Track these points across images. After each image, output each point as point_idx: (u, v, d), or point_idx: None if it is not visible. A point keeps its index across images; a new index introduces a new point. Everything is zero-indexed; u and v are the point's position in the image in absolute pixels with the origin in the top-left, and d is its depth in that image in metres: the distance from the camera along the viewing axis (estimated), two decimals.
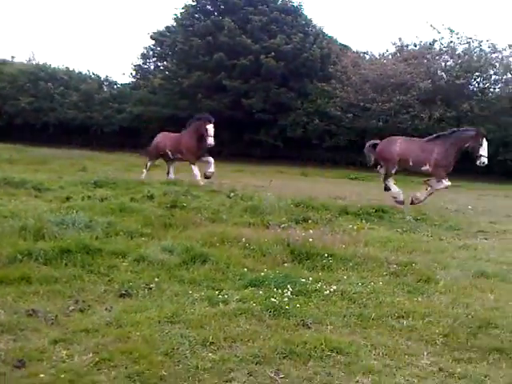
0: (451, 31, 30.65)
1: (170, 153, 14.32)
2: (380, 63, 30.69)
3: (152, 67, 39.22)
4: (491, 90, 31.70)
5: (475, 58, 29.96)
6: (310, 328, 3.96)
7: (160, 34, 35.71)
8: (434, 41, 31.55)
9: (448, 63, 30.82)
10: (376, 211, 9.86)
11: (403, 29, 63.01)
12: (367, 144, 13.02)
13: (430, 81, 28.66)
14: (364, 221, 8.80)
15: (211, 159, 13.72)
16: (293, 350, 3.53)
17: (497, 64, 30.83)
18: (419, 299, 4.74)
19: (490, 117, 28.59)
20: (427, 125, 27.45)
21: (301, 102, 30.05)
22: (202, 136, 13.39)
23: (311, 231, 6.79)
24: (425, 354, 3.63)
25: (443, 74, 30.46)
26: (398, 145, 12.20)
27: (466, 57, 29.83)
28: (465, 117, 28.56)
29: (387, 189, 12.33)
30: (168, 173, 14.68)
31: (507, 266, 6.25)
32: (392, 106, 27.70)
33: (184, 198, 9.37)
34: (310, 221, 8.12)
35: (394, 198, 11.97)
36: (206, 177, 13.58)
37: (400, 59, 30.51)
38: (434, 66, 30.26)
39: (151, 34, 35.90)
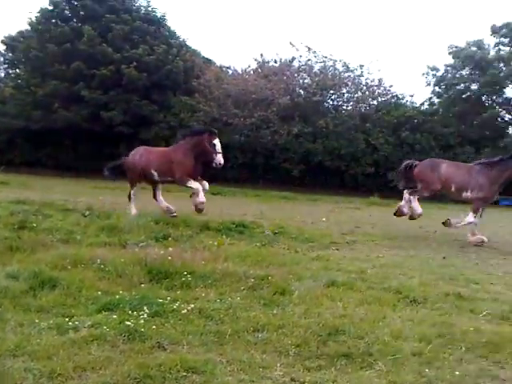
0: (309, 50, 32.48)
1: (155, 174, 11.41)
2: (242, 79, 31.53)
3: (2, 74, 36.60)
4: (344, 107, 34.05)
5: (330, 77, 31.97)
6: (165, 349, 3.89)
7: (12, 38, 33.44)
8: (293, 58, 33.18)
9: (306, 81, 32.52)
10: (237, 226, 10.07)
11: (265, 45, 65.61)
12: (403, 165, 12.42)
13: (288, 97, 30.02)
14: (225, 236, 8.93)
15: (206, 184, 11.33)
16: (147, 374, 3.43)
17: (349, 83, 33.19)
18: (274, 311, 4.88)
19: (343, 133, 30.64)
20: (286, 140, 28.75)
21: (163, 115, 29.82)
22: (201, 154, 11.09)
23: (171, 249, 6.75)
24: (278, 365, 3.73)
25: (301, 90, 32.10)
26: (443, 170, 11.65)
27: (322, 75, 31.72)
28: (320, 133, 30.34)
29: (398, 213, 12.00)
30: (155, 196, 11.68)
31: (355, 275, 6.68)
32: (254, 121, 28.54)
33: (34, 217, 8.77)
34: (170, 238, 8.07)
35: (413, 214, 11.74)
36: (198, 210, 10.98)
37: (261, 75, 31.60)
38: (293, 83, 31.76)
39: (2, 38, 33.56)
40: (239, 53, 74.97)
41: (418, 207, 11.78)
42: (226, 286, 5.63)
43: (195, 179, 11.05)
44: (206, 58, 36.20)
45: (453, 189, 11.52)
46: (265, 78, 30.74)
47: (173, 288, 5.46)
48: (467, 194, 11.33)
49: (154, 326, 4.23)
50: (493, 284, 6.81)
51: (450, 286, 6.40)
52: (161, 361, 3.62)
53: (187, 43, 35.05)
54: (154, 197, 11.72)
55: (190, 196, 11.29)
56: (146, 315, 4.43)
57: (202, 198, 10.79)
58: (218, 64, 35.69)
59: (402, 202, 12.09)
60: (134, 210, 11.32)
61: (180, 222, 9.57)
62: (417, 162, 12.25)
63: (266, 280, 5.89)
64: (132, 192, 11.75)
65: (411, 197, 11.78)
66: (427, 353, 4.04)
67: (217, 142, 11.04)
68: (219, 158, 10.97)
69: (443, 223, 11.65)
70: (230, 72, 34.29)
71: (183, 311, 4.65)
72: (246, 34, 76.31)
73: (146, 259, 5.97)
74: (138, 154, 11.83)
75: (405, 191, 12.08)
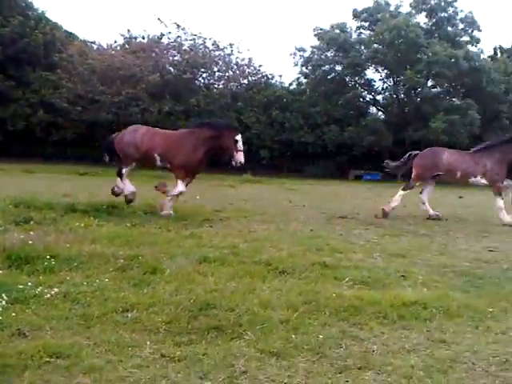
0: (178, 26, 32.05)
1: (158, 158, 10.27)
2: (108, 54, 30.37)
3: None
4: (215, 85, 34.19)
5: (200, 55, 31.85)
6: (26, 336, 3.66)
7: None
8: (162, 35, 32.62)
9: (175, 58, 32.15)
10: (106, 207, 9.73)
11: (132, 20, 63.57)
12: (412, 154, 12.36)
13: (158, 74, 29.45)
14: (93, 218, 8.57)
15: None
16: (6, 364, 3.22)
17: (220, 61, 33.33)
18: (145, 291, 4.79)
19: (215, 111, 30.80)
20: (156, 118, 28.24)
21: (22, 91, 27.86)
22: (216, 148, 10.26)
23: (32, 233, 6.35)
24: (148, 343, 3.68)
25: (171, 68, 31.66)
26: (446, 157, 11.88)
27: (192, 53, 31.52)
28: (193, 111, 30.22)
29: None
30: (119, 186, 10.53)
31: (228, 250, 6.78)
32: (122, 98, 27.67)
33: None
34: (31, 222, 7.59)
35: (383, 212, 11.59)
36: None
37: (128, 51, 30.65)
38: (163, 60, 31.22)
39: None
40: (104, 27, 72.15)
41: (395, 202, 11.85)
42: (93, 269, 5.41)
43: (194, 175, 10.40)
44: (69, 32, 34.31)
45: (458, 175, 11.84)
46: (132, 54, 29.87)
47: (34, 273, 5.13)
48: (479, 180, 11.76)
49: (13, 314, 3.97)
50: (355, 252, 7.26)
51: (316, 256, 6.71)
52: (21, 348, 3.41)
53: (46, 15, 33.01)
54: (117, 188, 10.70)
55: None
56: (4, 302, 4.13)
57: (168, 209, 9.97)
58: (81, 38, 34.00)
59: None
60: (130, 187, 10.38)
61: (43, 204, 9.03)
62: (416, 152, 12.45)
63: (136, 260, 5.77)
64: (125, 169, 10.44)
65: (400, 191, 11.93)
66: (294, 320, 4.21)
67: (239, 138, 10.08)
68: (240, 156, 9.96)
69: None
70: (95, 47, 32.88)
71: (46, 296, 4.40)
72: (110, 7, 73.46)
73: (4, 244, 5.55)
74: (140, 134, 10.41)
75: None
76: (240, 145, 10.03)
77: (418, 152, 12.47)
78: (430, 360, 3.59)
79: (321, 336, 3.93)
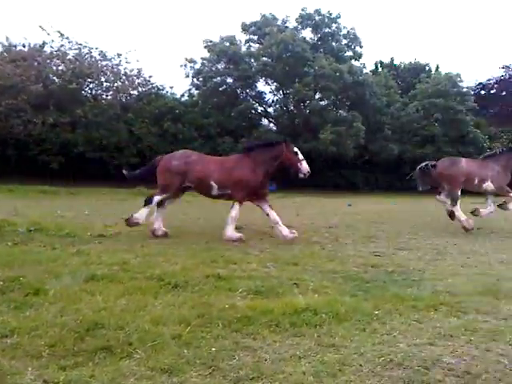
0: (61, 35, 30.84)
1: (215, 186, 9.78)
2: None
3: None
4: (104, 96, 33.22)
5: (87, 65, 30.88)
6: None
7: None
8: (45, 43, 31.25)
9: (60, 67, 30.93)
10: None
11: (10, 27, 60.28)
12: (421, 166, 12.20)
13: (41, 84, 28.14)
14: None
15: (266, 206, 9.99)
16: None
17: (107, 71, 32.46)
18: (27, 313, 4.49)
19: (103, 122, 29.92)
20: (41, 130, 26.93)
21: None
22: (276, 168, 9.92)
23: None
24: (29, 369, 3.45)
25: (55, 78, 30.37)
26: (464, 164, 12.02)
27: (78, 62, 30.50)
28: (79, 122, 29.15)
29: (452, 216, 11.83)
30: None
31: (118, 266, 6.56)
32: (1, 109, 26.07)
33: None
34: None
35: (465, 227, 11.57)
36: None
37: (7, 60, 28.97)
38: (46, 69, 29.89)
39: None
40: None
41: (462, 215, 11.80)
42: None
43: (259, 197, 9.96)
44: None
45: (476, 181, 12.04)
46: (12, 63, 28.21)
47: None
48: (488, 185, 12.02)
49: None
50: (249, 262, 7.28)
51: (210, 268, 6.67)
52: None
53: None
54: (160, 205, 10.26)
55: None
56: None
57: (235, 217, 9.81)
58: None
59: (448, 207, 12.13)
60: (143, 215, 9.97)
61: None
62: (433, 163, 12.36)
63: (17, 281, 5.42)
64: (158, 198, 10.05)
65: (453, 209, 11.85)
66: (186, 334, 4.13)
67: (296, 149, 9.91)
68: (306, 166, 9.76)
69: (472, 212, 12.35)
70: None
71: None
72: None
73: None
74: (191, 160, 9.93)
75: (438, 197, 12.23)
76: (301, 155, 9.93)
77: (433, 162, 12.41)
78: (320, 365, 3.66)
79: (213, 349, 3.89)
